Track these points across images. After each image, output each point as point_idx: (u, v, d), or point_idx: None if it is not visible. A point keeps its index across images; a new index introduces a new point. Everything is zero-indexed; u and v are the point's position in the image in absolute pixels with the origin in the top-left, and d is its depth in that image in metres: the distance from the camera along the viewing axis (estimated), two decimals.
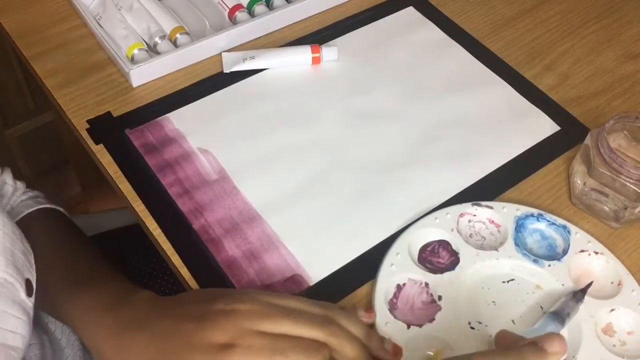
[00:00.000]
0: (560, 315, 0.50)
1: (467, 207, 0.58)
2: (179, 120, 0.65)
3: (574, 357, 0.50)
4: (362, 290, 0.54)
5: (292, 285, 0.54)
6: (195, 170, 0.61)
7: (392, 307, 0.52)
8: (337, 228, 0.58)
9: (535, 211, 0.58)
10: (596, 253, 0.56)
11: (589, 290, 0.53)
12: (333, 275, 0.55)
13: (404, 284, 0.53)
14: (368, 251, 0.56)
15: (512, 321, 0.53)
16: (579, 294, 0.52)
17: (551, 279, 0.54)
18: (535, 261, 0.55)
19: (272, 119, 0.66)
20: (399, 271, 0.54)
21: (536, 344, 0.43)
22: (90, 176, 1.17)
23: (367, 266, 0.55)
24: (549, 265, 0.55)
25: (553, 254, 0.56)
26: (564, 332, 0.52)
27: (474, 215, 0.58)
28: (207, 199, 0.59)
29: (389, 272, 0.54)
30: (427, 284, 0.53)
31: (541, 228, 0.58)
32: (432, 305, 0.52)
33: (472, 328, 0.52)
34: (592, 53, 0.75)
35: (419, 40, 0.74)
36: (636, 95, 0.71)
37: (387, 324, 0.51)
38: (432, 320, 0.51)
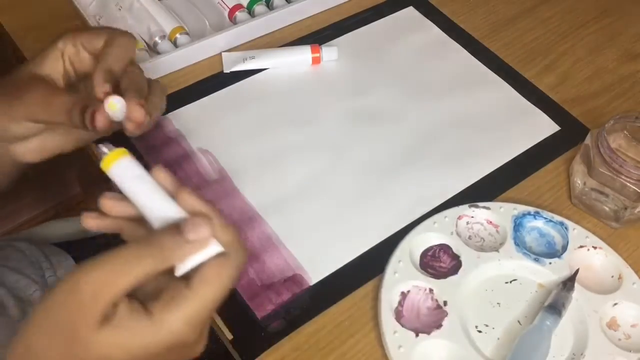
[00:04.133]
0: (556, 307, 0.51)
1: (464, 209, 0.58)
2: (179, 120, 0.65)
3: (582, 354, 0.50)
4: (362, 290, 0.54)
5: (293, 285, 0.54)
6: (195, 170, 0.61)
7: (399, 315, 0.51)
8: (337, 228, 0.58)
9: (531, 209, 0.58)
10: (595, 248, 0.56)
11: (591, 285, 0.54)
12: (333, 275, 0.55)
13: (409, 291, 0.53)
14: (368, 251, 0.56)
15: (518, 321, 0.53)
16: (568, 283, 0.52)
17: (553, 277, 0.54)
18: (536, 260, 0.55)
19: (272, 119, 0.66)
20: (402, 279, 0.53)
21: (176, 229, 0.36)
22: (90, 176, 1.17)
23: (367, 266, 0.55)
24: (550, 263, 0.55)
25: (552, 251, 0.56)
26: (570, 329, 0.52)
27: (472, 217, 0.58)
28: (207, 199, 0.58)
29: (392, 280, 0.53)
30: (431, 290, 0.53)
31: (539, 226, 0.58)
32: (438, 310, 0.52)
33: (480, 331, 0.52)
34: (592, 53, 0.75)
35: (419, 40, 0.74)
36: (636, 95, 0.71)
37: (395, 332, 0.50)
38: (439, 326, 0.51)
